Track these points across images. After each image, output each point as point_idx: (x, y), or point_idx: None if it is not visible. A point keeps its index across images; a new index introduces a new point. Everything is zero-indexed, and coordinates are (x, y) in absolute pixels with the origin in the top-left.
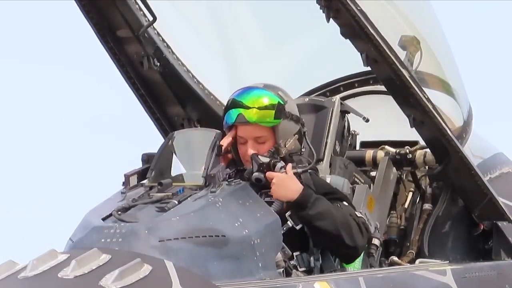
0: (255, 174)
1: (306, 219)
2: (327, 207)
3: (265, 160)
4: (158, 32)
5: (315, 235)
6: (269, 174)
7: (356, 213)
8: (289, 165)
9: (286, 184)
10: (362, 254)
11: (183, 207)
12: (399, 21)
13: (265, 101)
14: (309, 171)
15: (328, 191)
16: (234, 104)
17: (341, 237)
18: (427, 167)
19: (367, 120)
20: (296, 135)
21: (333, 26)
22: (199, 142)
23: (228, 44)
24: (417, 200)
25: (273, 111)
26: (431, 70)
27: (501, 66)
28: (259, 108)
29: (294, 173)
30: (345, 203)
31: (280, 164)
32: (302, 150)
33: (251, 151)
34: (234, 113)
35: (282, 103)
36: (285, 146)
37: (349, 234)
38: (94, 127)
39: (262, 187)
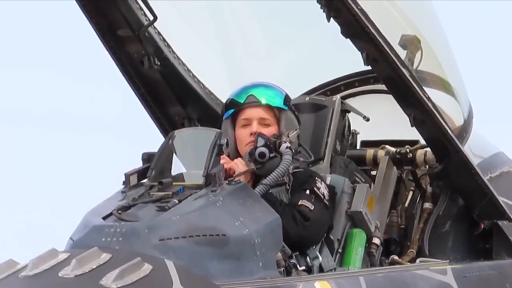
0: (260, 148)
1: None
2: None
3: (272, 138)
4: (158, 32)
5: None
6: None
7: (300, 201)
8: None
9: None
10: (362, 253)
11: (184, 206)
12: (400, 20)
13: (275, 90)
14: (298, 168)
15: (301, 182)
16: (242, 90)
17: None
18: (427, 166)
19: (368, 119)
20: (299, 130)
21: (334, 26)
22: (199, 141)
23: (228, 44)
24: (418, 199)
25: (283, 98)
26: (431, 69)
27: (501, 65)
28: (269, 94)
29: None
30: (307, 191)
31: (286, 144)
32: (298, 149)
33: (255, 130)
34: (244, 94)
35: (289, 97)
36: (288, 136)
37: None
38: (95, 126)
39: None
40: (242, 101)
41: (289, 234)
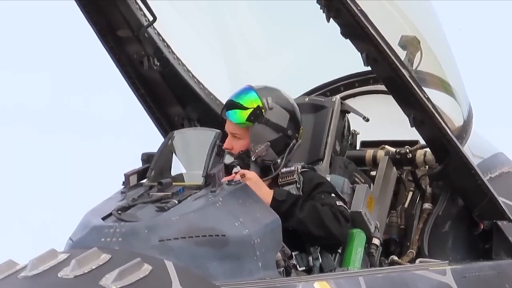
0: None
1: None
2: (291, 208)
3: (228, 161)
4: (158, 32)
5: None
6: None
7: (337, 202)
8: (242, 171)
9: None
10: (362, 254)
11: (183, 206)
12: (399, 21)
13: (246, 102)
14: (305, 168)
15: (314, 185)
16: (228, 100)
17: (309, 230)
18: (427, 166)
19: (367, 120)
20: (268, 143)
21: (334, 26)
22: (199, 141)
23: (228, 44)
24: (417, 200)
25: (248, 113)
26: (431, 69)
27: (501, 65)
28: (238, 107)
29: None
30: (332, 194)
31: (236, 169)
32: (278, 161)
33: (225, 146)
34: (224, 109)
35: (263, 108)
36: (255, 151)
37: (318, 225)
38: (94, 127)
39: None
40: (223, 115)
41: (331, 233)
